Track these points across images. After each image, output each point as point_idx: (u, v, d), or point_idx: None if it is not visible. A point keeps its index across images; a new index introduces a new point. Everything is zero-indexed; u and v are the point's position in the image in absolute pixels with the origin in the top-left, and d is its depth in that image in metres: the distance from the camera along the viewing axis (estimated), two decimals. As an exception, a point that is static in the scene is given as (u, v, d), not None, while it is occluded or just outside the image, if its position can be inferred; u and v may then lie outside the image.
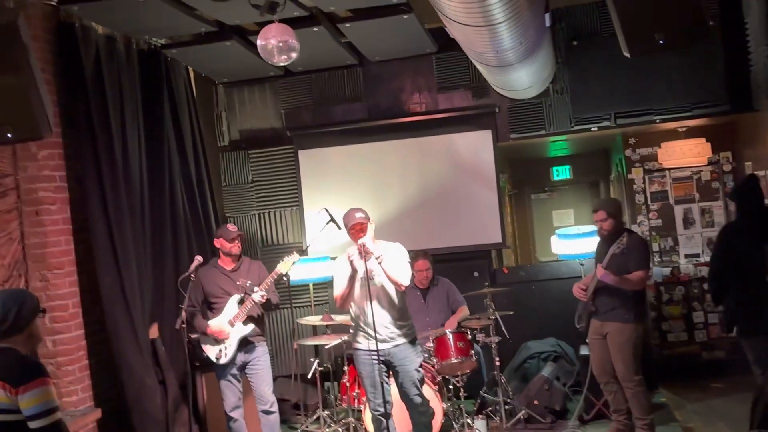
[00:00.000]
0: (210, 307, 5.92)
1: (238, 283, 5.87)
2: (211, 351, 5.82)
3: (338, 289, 5.27)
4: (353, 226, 5.16)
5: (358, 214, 5.20)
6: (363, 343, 5.27)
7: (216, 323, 5.78)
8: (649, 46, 4.59)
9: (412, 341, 5.38)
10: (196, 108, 7.18)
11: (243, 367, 5.90)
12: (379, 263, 5.12)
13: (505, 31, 4.44)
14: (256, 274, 5.96)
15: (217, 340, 5.79)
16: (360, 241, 5.07)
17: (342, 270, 5.29)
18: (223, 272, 5.94)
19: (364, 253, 5.05)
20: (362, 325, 5.27)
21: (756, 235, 5.18)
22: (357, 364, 5.40)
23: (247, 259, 6.16)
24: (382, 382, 5.12)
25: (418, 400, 5.35)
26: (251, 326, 5.82)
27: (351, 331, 5.48)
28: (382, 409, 5.23)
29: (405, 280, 5.18)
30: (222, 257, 5.98)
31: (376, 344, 5.10)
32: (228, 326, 5.77)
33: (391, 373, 5.40)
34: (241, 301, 5.82)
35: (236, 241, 5.92)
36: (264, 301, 5.77)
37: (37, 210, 5.25)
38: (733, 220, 5.89)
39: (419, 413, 5.41)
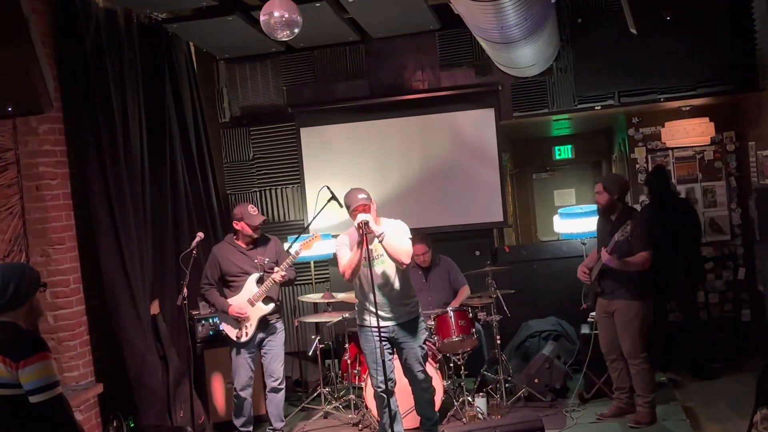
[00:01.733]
0: (228, 285, 5.91)
1: (255, 261, 5.85)
2: (231, 331, 5.84)
3: (344, 261, 5.23)
4: (356, 208, 5.13)
5: (361, 195, 5.16)
6: (368, 320, 5.26)
7: (236, 303, 5.79)
8: (657, 22, 4.57)
9: (417, 318, 5.39)
10: (197, 84, 7.13)
11: (260, 344, 5.92)
12: (380, 241, 5.10)
13: (511, 7, 4.39)
14: (273, 251, 5.94)
15: (237, 320, 5.79)
16: (361, 217, 5.04)
17: (345, 245, 5.28)
18: (240, 250, 5.92)
19: (364, 231, 5.02)
20: (367, 303, 5.26)
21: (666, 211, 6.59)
22: (362, 341, 5.41)
23: (263, 234, 6.10)
24: (383, 360, 5.12)
25: (421, 376, 5.37)
26: (272, 305, 5.83)
27: (357, 308, 5.49)
28: (384, 387, 5.24)
29: (406, 257, 5.16)
30: (240, 236, 5.95)
31: (377, 321, 5.09)
32: (248, 305, 5.77)
33: (395, 350, 5.41)
34: (260, 280, 5.81)
35: (259, 230, 5.89)
36: (285, 280, 5.77)
37: (38, 185, 5.23)
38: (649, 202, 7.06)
39: (422, 390, 5.43)
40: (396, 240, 5.15)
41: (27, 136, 5.21)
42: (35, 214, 5.24)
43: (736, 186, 7.55)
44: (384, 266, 5.26)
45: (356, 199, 5.15)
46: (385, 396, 5.21)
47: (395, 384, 5.38)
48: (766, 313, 6.90)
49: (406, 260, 5.16)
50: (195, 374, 6.15)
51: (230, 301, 5.83)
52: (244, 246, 5.93)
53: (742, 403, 5.91)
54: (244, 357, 5.87)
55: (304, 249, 5.86)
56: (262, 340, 5.91)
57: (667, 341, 6.94)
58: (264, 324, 5.86)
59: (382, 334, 5.20)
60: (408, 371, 5.39)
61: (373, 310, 5.09)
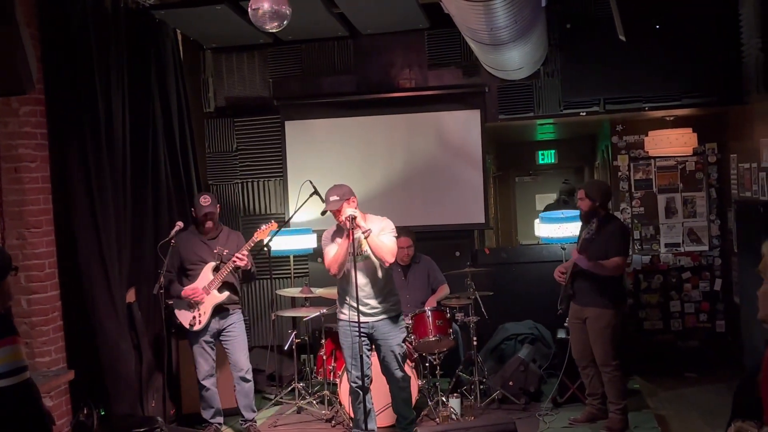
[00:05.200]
0: (186, 273, 5.89)
1: (215, 251, 5.83)
2: (184, 317, 5.82)
3: (329, 256, 5.27)
4: (332, 212, 5.19)
5: (333, 197, 5.19)
6: (347, 314, 5.27)
7: (190, 286, 5.77)
8: (644, 31, 4.59)
9: (397, 316, 5.40)
10: (183, 72, 7.07)
11: (218, 335, 5.89)
12: (366, 237, 5.10)
13: (501, 8, 4.38)
14: (234, 244, 5.92)
15: (190, 306, 5.78)
16: (348, 212, 5.06)
17: (331, 240, 5.31)
18: (201, 240, 5.90)
19: (351, 226, 5.04)
20: (347, 297, 5.27)
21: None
22: (340, 335, 5.41)
23: (227, 228, 6.15)
24: (362, 355, 5.11)
25: (399, 374, 5.38)
26: (226, 293, 5.81)
27: (337, 302, 5.49)
28: (360, 382, 5.23)
29: (390, 256, 5.18)
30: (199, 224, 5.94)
31: (358, 316, 5.10)
32: (203, 292, 5.74)
33: (373, 347, 5.40)
34: (217, 269, 5.79)
35: (207, 219, 5.84)
36: (243, 265, 5.71)
37: (16, 167, 5.16)
38: None
39: (399, 388, 5.43)
40: (381, 237, 5.16)
41: (7, 117, 5.14)
42: (12, 197, 5.17)
43: (716, 197, 7.61)
44: (367, 262, 5.27)
45: (328, 200, 5.20)
46: (360, 392, 5.20)
47: (371, 381, 5.38)
48: (741, 324, 6.95)
49: (390, 258, 5.19)
50: (168, 365, 6.12)
51: (185, 288, 5.82)
52: (205, 235, 5.91)
53: (714, 413, 5.96)
54: (202, 346, 5.86)
55: (260, 236, 5.85)
56: (219, 331, 5.89)
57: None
58: (218, 312, 5.84)
59: (363, 331, 5.22)
60: (386, 369, 5.39)
61: (354, 304, 5.10)
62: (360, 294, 5.14)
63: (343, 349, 5.40)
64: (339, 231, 5.32)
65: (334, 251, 5.24)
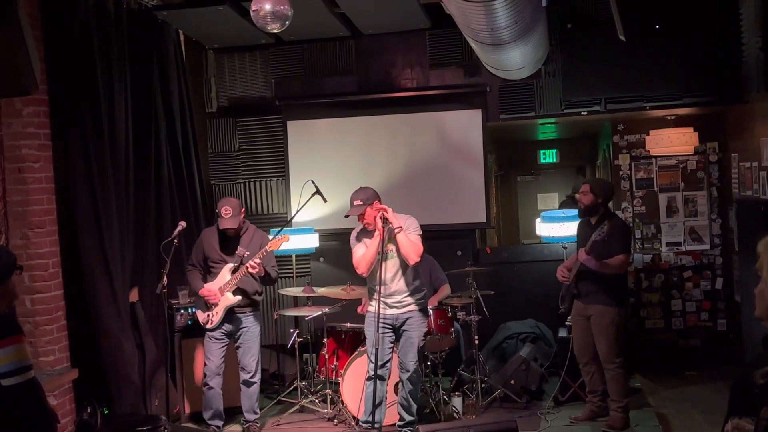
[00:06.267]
0: (209, 270, 5.94)
1: (237, 252, 5.84)
2: (200, 315, 5.92)
3: (357, 255, 5.44)
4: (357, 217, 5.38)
5: (357, 202, 5.36)
6: (375, 307, 5.39)
7: (208, 287, 5.82)
8: (645, 31, 4.61)
9: (423, 310, 5.56)
10: (185, 72, 7.10)
11: (232, 336, 5.92)
12: (397, 233, 5.25)
13: (502, 8, 4.40)
14: (257, 246, 5.88)
15: (207, 305, 5.82)
16: (380, 213, 5.24)
17: (359, 239, 5.47)
18: (225, 238, 5.92)
19: (382, 225, 5.20)
20: (374, 293, 5.43)
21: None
22: (365, 325, 5.60)
23: (253, 227, 6.08)
24: (377, 348, 5.21)
25: (412, 366, 5.49)
26: (238, 298, 5.81)
27: (367, 293, 5.66)
28: (378, 372, 5.34)
29: (416, 255, 5.32)
30: None
31: (378, 309, 5.29)
32: (219, 293, 5.78)
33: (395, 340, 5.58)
34: (235, 271, 5.80)
35: (227, 230, 5.85)
36: (255, 272, 5.71)
37: (20, 167, 5.19)
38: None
39: (410, 381, 5.53)
40: (409, 237, 5.33)
41: (11, 117, 5.17)
42: (16, 197, 5.20)
43: (717, 196, 7.62)
44: (396, 258, 5.41)
45: (351, 204, 5.38)
46: (376, 381, 5.32)
47: (390, 374, 5.53)
48: (742, 322, 6.97)
49: (416, 258, 5.34)
50: (171, 364, 6.15)
51: (205, 285, 5.86)
52: (229, 234, 5.92)
53: (715, 412, 5.97)
54: (215, 344, 5.89)
55: (273, 247, 5.83)
56: (235, 332, 5.92)
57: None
58: (231, 315, 5.87)
59: (388, 323, 5.42)
60: (402, 360, 5.52)
61: (381, 298, 5.32)
62: (387, 290, 5.36)
63: (367, 338, 5.56)
64: (364, 230, 5.48)
65: (361, 251, 5.41)
